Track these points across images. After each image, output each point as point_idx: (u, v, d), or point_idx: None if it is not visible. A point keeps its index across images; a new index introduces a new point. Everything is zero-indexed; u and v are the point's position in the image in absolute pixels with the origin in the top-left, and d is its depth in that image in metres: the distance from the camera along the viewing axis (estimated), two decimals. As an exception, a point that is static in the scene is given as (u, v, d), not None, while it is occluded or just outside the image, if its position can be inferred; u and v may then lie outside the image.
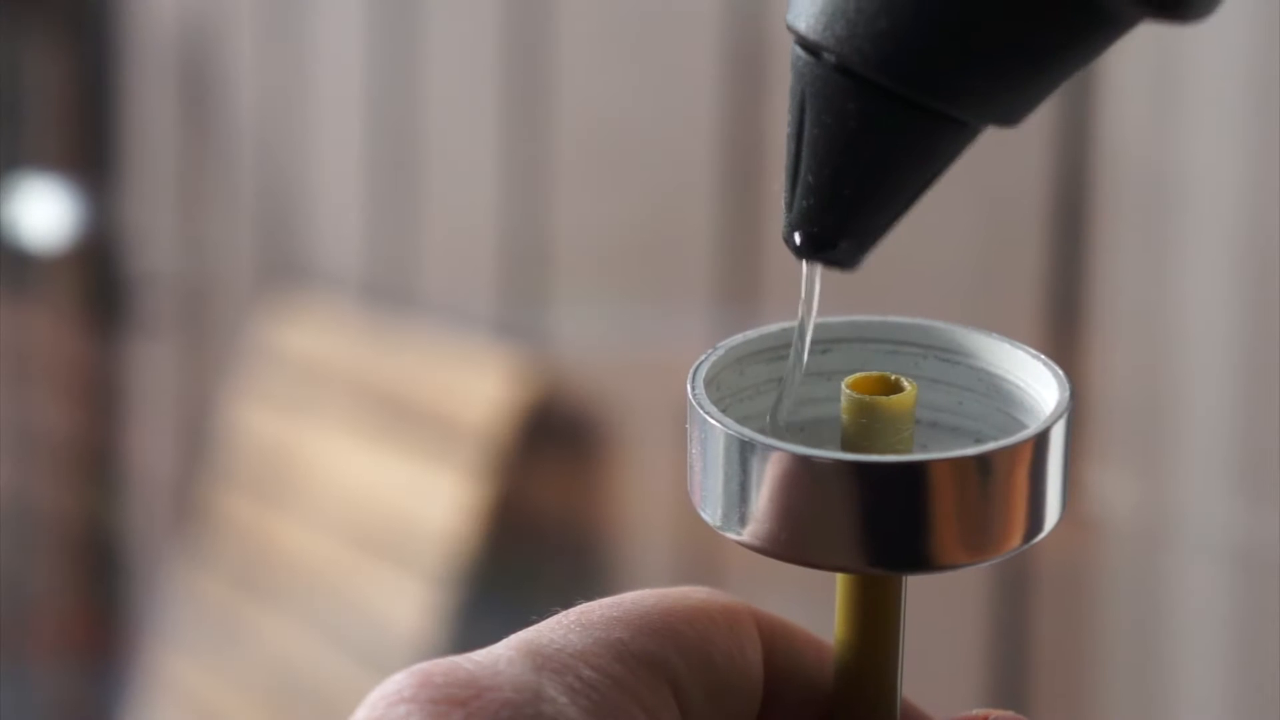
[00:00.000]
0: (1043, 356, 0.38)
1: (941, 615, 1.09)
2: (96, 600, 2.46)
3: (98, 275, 2.43)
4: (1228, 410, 0.95)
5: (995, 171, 1.05)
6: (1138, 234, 0.99)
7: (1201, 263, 0.96)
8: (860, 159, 0.33)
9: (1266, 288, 0.93)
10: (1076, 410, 0.36)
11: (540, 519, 1.52)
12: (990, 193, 1.06)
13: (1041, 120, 1.08)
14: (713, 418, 0.36)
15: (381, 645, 1.51)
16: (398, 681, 0.33)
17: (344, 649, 1.60)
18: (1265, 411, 0.93)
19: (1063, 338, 1.02)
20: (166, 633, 1.95)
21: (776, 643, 0.37)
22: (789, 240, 0.35)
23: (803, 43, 0.33)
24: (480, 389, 1.51)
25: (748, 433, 0.35)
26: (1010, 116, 0.33)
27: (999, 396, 0.38)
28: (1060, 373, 0.37)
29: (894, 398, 0.36)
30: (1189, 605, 0.97)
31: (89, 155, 2.45)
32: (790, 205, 0.34)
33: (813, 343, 0.39)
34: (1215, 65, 0.95)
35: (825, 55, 0.33)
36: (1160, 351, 0.98)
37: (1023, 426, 0.36)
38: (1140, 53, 0.97)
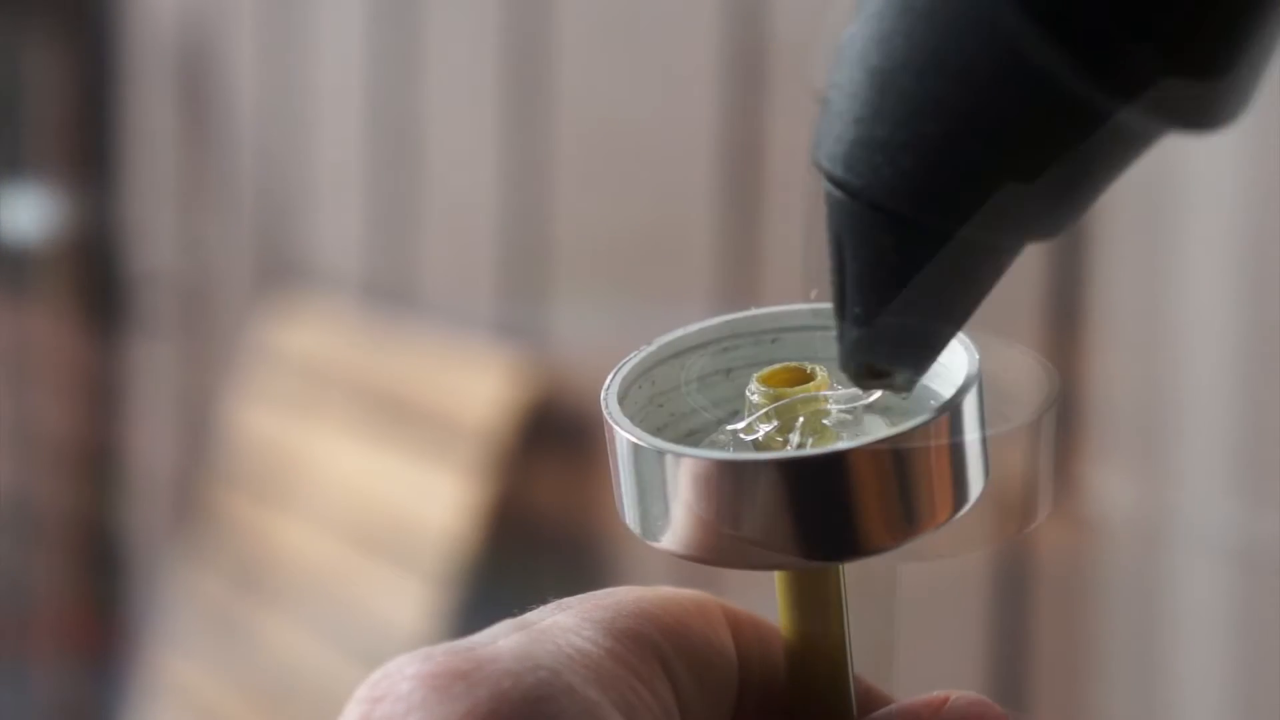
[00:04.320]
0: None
1: (941, 615, 1.09)
2: (96, 600, 2.46)
3: (98, 275, 2.43)
4: (1227, 410, 0.95)
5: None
6: (1138, 234, 0.99)
7: (1201, 263, 0.96)
8: (902, 290, 0.34)
9: (1266, 288, 0.93)
10: (984, 382, 0.37)
11: (540, 519, 1.52)
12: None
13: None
14: (626, 430, 0.36)
15: (381, 645, 1.51)
16: (399, 661, 0.34)
17: (344, 649, 1.60)
18: (1265, 411, 0.93)
19: (1063, 338, 1.02)
20: (166, 633, 1.95)
21: (745, 631, 0.38)
22: (845, 369, 0.35)
23: (831, 179, 0.34)
24: (480, 389, 1.51)
25: (660, 443, 0.35)
26: (1047, 234, 0.34)
27: (934, 378, 0.38)
28: (969, 344, 0.37)
29: (801, 387, 0.37)
30: (1189, 605, 0.97)
31: (89, 155, 2.45)
32: (841, 336, 0.35)
33: (761, 332, 0.39)
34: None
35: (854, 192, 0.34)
36: (1160, 351, 0.98)
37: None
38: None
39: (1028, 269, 1.04)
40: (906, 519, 0.35)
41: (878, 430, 0.36)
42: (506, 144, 1.54)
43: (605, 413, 0.37)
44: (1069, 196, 0.33)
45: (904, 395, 0.36)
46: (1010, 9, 0.30)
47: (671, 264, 1.37)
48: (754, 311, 0.39)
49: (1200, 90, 0.31)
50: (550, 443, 1.48)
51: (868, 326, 0.34)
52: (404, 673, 0.34)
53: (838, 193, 0.34)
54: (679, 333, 0.39)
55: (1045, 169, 0.32)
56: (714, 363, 0.39)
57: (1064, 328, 1.02)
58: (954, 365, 0.37)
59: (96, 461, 2.45)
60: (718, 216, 1.29)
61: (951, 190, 0.33)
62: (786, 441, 0.36)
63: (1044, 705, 1.04)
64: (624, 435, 0.36)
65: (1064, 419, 1.02)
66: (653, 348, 0.39)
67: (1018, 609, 1.05)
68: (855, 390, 0.38)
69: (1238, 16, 0.31)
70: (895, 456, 0.35)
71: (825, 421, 0.37)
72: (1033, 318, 1.03)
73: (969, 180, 0.32)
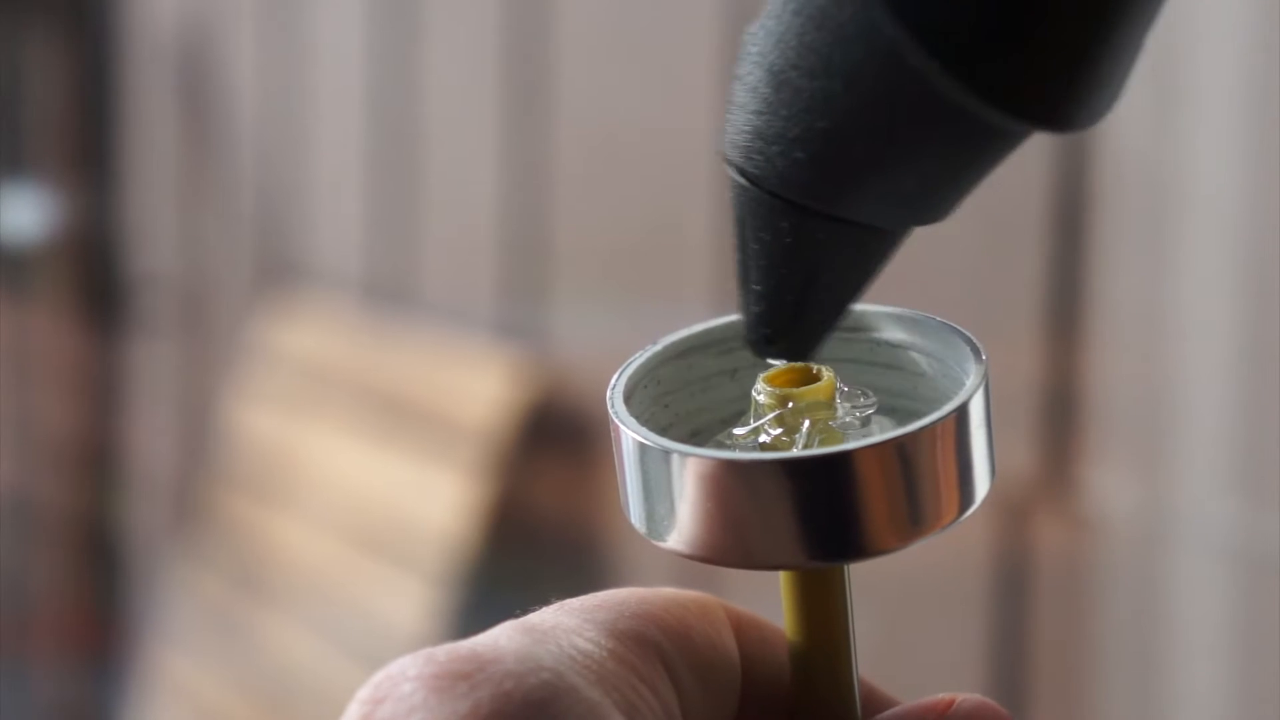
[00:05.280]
0: (962, 331, 0.38)
1: (941, 615, 1.09)
2: (96, 599, 2.46)
3: (98, 275, 2.43)
4: (1227, 410, 0.95)
5: (995, 171, 1.05)
6: (1138, 234, 0.99)
7: (1201, 263, 0.96)
8: (798, 270, 0.37)
9: (1266, 288, 0.93)
10: (990, 383, 0.37)
11: (540, 519, 1.53)
12: (990, 193, 1.06)
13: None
14: (632, 429, 0.36)
15: (381, 645, 1.51)
16: (401, 663, 0.34)
17: (344, 649, 1.60)
18: (1265, 411, 0.93)
19: (1063, 338, 1.02)
20: (166, 632, 1.95)
21: (748, 632, 0.38)
22: (746, 340, 0.38)
23: (734, 167, 0.36)
24: (480, 389, 1.51)
25: (666, 442, 0.36)
26: (931, 219, 0.37)
27: (950, 381, 0.38)
28: (976, 343, 0.38)
29: (808, 388, 0.37)
30: (1189, 605, 0.97)
31: (89, 155, 2.45)
32: (743, 310, 0.38)
33: None
34: (1215, 65, 0.95)
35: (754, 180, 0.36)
36: (1160, 351, 0.98)
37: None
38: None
39: (1028, 269, 1.04)
40: (912, 520, 0.35)
41: (884, 431, 0.36)
42: (506, 144, 1.54)
43: (611, 412, 0.37)
44: (949, 185, 0.36)
45: (813, 368, 0.38)
46: (887, 18, 0.33)
47: (671, 264, 1.37)
48: None
49: (1063, 96, 0.34)
50: (550, 443, 1.48)
51: (766, 302, 0.37)
52: (406, 674, 0.34)
53: (740, 179, 0.36)
54: (684, 332, 0.39)
55: (924, 162, 0.35)
56: (719, 363, 0.39)
57: (1064, 328, 1.02)
58: (960, 364, 0.37)
59: (96, 461, 2.45)
60: (718, 217, 1.29)
61: (840, 180, 0.35)
62: (793, 442, 0.36)
63: (1044, 705, 1.04)
64: (630, 434, 0.36)
65: (1064, 419, 1.02)
66: (658, 347, 0.39)
67: (1018, 609, 1.05)
68: (861, 391, 0.38)
69: (1090, 41, 0.34)
70: (901, 457, 0.35)
71: (831, 423, 0.37)
72: (1033, 318, 1.03)
73: (856, 171, 0.35)
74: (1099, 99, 0.34)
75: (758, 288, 0.37)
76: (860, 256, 0.36)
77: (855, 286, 0.37)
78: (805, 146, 0.35)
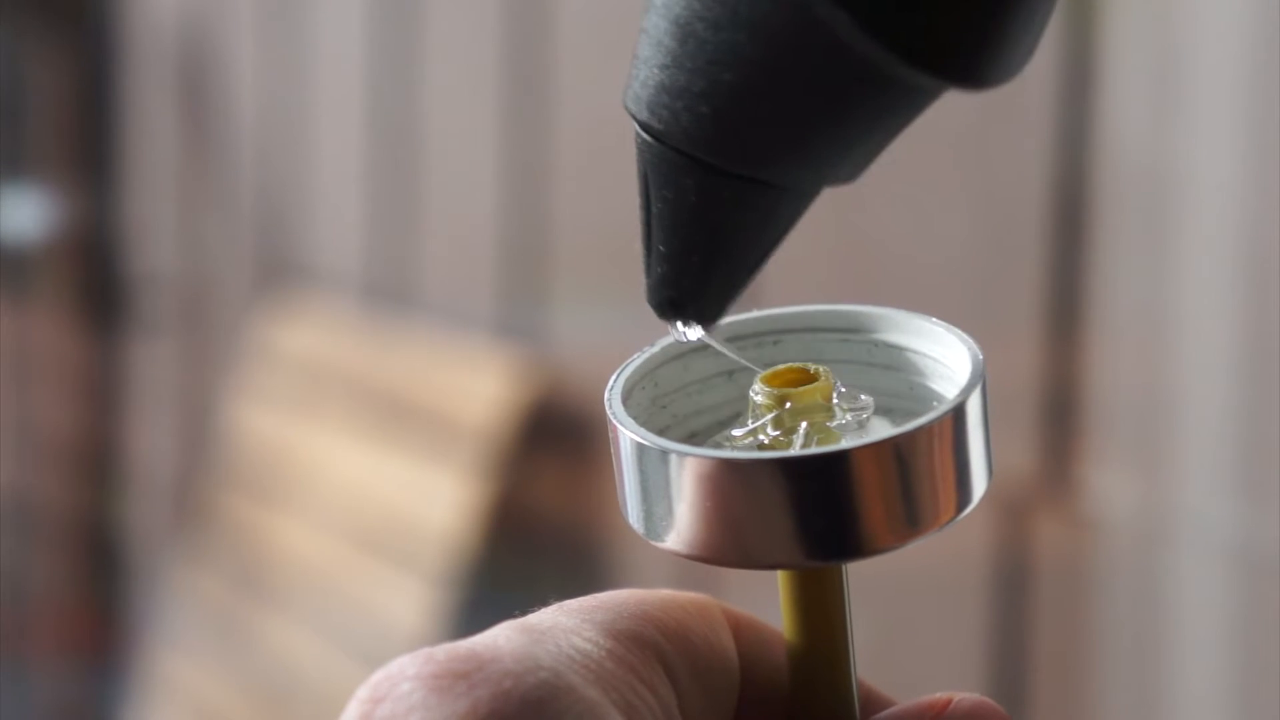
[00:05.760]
0: (959, 331, 0.38)
1: (941, 615, 1.09)
2: (96, 600, 2.46)
3: (98, 275, 2.43)
4: (1228, 410, 0.95)
5: (995, 171, 1.05)
6: (1138, 234, 0.99)
7: (1201, 263, 0.96)
8: (703, 230, 0.35)
9: (1266, 288, 0.93)
10: (989, 381, 0.37)
11: (540, 519, 1.53)
12: (990, 192, 1.06)
13: (1041, 120, 1.08)
14: (630, 430, 0.36)
15: (381, 645, 1.51)
16: (400, 662, 0.34)
17: (344, 649, 1.60)
18: (1265, 411, 0.93)
19: (1063, 338, 1.02)
20: (166, 633, 1.95)
21: (746, 633, 0.38)
22: (650, 302, 0.37)
23: (637, 122, 0.35)
24: (480, 389, 1.51)
25: (664, 442, 0.36)
26: (842, 179, 0.35)
27: (938, 378, 0.38)
28: (972, 344, 0.37)
29: (805, 388, 0.37)
30: (1189, 605, 0.97)
31: (89, 155, 2.45)
32: (648, 271, 0.37)
33: (763, 334, 0.40)
34: (1215, 65, 0.95)
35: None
36: (1160, 351, 0.98)
37: None
38: (1140, 52, 0.97)
39: (1028, 269, 1.04)
40: (910, 519, 0.35)
41: (882, 431, 0.36)
42: (506, 144, 1.54)
43: (609, 413, 0.37)
44: (859, 144, 0.35)
45: (706, 332, 0.37)
46: None
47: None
48: (755, 313, 0.39)
49: (974, 51, 0.33)
50: (550, 443, 1.48)
51: (671, 263, 0.36)
52: (405, 673, 0.34)
53: (644, 135, 0.35)
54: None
55: (833, 118, 0.34)
56: (716, 364, 0.39)
57: (1064, 328, 1.02)
58: (957, 365, 0.37)
59: (96, 461, 2.45)
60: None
61: (746, 137, 0.34)
62: (790, 442, 0.36)
63: (1044, 705, 1.04)
64: (628, 435, 0.36)
65: (1064, 419, 1.02)
66: (655, 349, 0.39)
67: (1018, 609, 1.05)
68: (859, 392, 0.38)
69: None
70: (898, 456, 0.35)
71: (829, 424, 0.37)
72: (1033, 318, 1.03)
73: (763, 128, 0.34)
74: (1011, 56, 0.33)
75: (662, 248, 0.36)
76: (768, 217, 0.35)
77: (763, 248, 0.36)
78: (710, 101, 0.34)
